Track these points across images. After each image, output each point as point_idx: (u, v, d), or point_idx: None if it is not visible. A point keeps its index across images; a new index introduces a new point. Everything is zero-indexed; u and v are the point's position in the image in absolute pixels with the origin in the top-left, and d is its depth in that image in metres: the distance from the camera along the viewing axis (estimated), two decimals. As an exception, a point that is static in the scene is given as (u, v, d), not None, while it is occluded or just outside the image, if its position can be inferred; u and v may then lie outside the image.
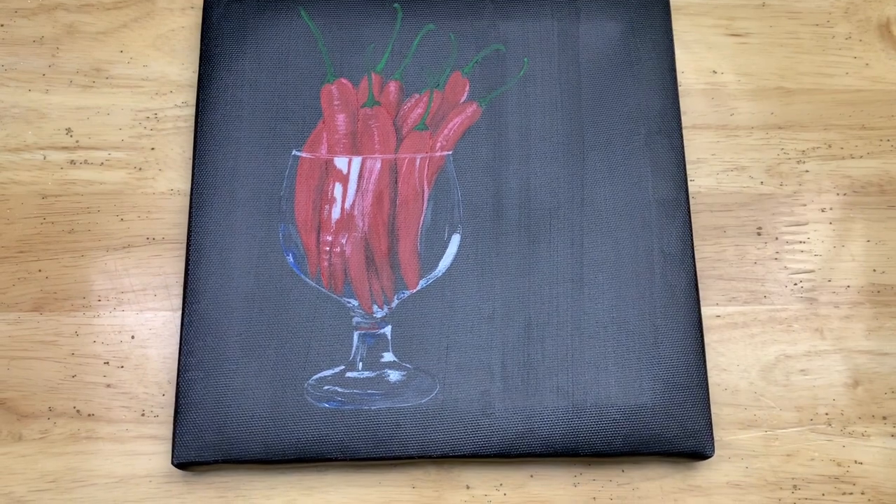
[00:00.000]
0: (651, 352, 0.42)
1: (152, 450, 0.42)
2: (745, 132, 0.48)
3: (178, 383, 0.41)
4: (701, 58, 0.50)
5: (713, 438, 0.42)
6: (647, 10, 0.48)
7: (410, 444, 0.41)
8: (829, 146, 0.48)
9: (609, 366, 0.42)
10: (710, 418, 0.42)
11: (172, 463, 0.40)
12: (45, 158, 0.46)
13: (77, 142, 0.47)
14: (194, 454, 0.40)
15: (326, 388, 0.41)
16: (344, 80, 0.46)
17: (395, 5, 0.47)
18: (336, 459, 0.41)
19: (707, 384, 0.42)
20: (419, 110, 0.46)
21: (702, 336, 0.43)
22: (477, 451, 0.41)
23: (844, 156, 0.48)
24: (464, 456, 0.41)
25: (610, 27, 0.47)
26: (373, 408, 0.41)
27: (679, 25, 0.50)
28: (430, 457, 0.41)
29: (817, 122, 0.49)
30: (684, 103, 0.48)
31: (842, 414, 0.44)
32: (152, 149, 0.47)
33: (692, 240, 0.44)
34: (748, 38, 0.50)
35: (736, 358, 0.45)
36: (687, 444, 0.41)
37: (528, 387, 0.42)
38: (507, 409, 0.41)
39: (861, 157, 0.48)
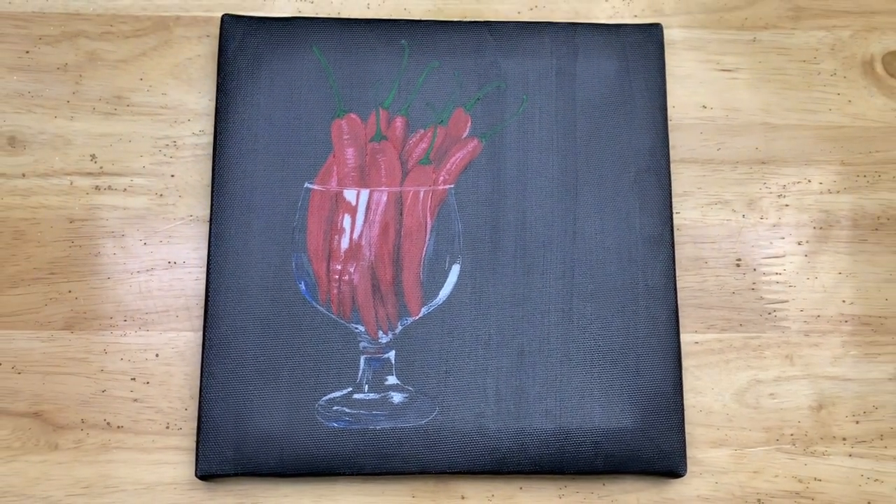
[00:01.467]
0: (632, 380, 0.46)
1: (176, 459, 0.46)
2: (729, 167, 0.51)
3: (199, 403, 0.45)
4: (692, 93, 0.52)
5: (686, 459, 0.46)
6: (642, 49, 0.50)
7: (411, 461, 0.45)
8: (809, 181, 0.51)
9: (594, 392, 0.46)
10: (684, 441, 0.46)
11: (196, 475, 0.44)
12: (71, 184, 0.49)
13: (101, 168, 0.49)
14: (215, 468, 0.44)
15: (335, 408, 0.45)
16: (353, 115, 0.49)
17: (402, 42, 0.50)
18: (344, 474, 0.45)
19: (682, 410, 0.46)
20: (423, 145, 0.49)
21: (680, 366, 0.47)
22: (472, 467, 0.45)
23: (822, 191, 0.51)
24: (460, 472, 0.45)
25: (606, 66, 0.50)
26: (377, 427, 0.45)
27: (672, 60, 0.52)
28: (429, 472, 0.45)
29: (799, 157, 0.52)
30: (674, 137, 0.51)
31: (805, 435, 0.48)
32: (172, 176, 0.50)
33: (675, 274, 0.48)
34: (737, 74, 0.53)
35: (711, 382, 0.49)
36: (662, 465, 0.46)
37: (519, 410, 0.46)
38: (499, 430, 0.45)
39: (838, 192, 0.51)
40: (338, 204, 0.48)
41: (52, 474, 0.46)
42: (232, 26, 0.49)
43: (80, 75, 0.51)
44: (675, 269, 0.48)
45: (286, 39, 0.49)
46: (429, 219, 0.48)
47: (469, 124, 0.49)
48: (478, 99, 0.49)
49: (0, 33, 0.51)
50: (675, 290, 0.48)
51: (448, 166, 0.49)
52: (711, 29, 0.53)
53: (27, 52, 0.51)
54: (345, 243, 0.47)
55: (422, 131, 0.49)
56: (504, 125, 0.49)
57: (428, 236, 0.48)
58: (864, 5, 0.54)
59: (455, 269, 0.48)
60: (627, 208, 0.48)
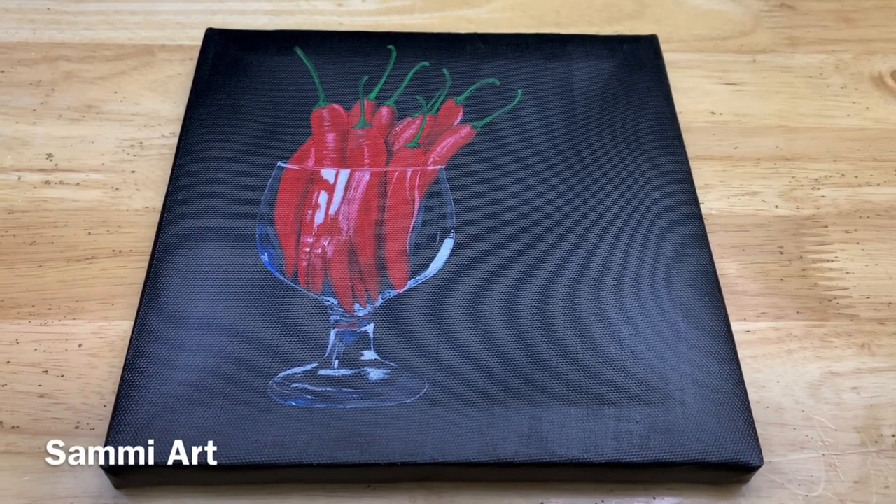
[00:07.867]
0: (672, 348, 0.36)
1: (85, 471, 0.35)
2: (751, 162, 0.46)
3: (122, 377, 0.35)
4: (698, 102, 0.49)
5: (759, 446, 0.34)
6: (639, 51, 0.48)
7: (392, 449, 0.34)
8: (843, 175, 0.46)
9: (626, 366, 0.36)
10: (753, 422, 0.35)
11: (102, 466, 0.33)
12: (19, 179, 0.44)
13: (56, 165, 0.45)
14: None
15: (294, 385, 0.35)
16: (335, 106, 0.45)
17: (390, 47, 0.48)
18: (299, 465, 0.33)
19: (743, 381, 0.36)
20: (412, 130, 0.44)
21: (730, 332, 0.37)
22: (472, 458, 0.34)
23: (861, 183, 0.46)
24: (457, 463, 0.33)
25: (602, 64, 0.48)
26: (348, 407, 0.35)
27: (674, 76, 0.50)
28: (415, 464, 0.33)
29: (825, 154, 0.47)
30: (686, 138, 0.47)
31: (909, 436, 0.37)
32: (133, 171, 0.45)
33: (708, 242, 0.40)
34: (743, 87, 0.50)
35: (775, 375, 0.38)
36: (727, 454, 0.34)
37: (532, 387, 0.35)
38: (507, 410, 0.35)
39: (878, 184, 0.46)
40: (313, 182, 0.42)
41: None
42: (214, 36, 0.48)
43: (53, 89, 0.48)
44: (707, 237, 0.41)
45: (268, 44, 0.48)
46: (417, 196, 0.42)
47: (461, 114, 0.45)
48: (471, 92, 0.46)
49: (-21, 57, 0.49)
50: (711, 257, 0.40)
51: (439, 149, 0.44)
52: (708, 52, 0.52)
53: (2, 71, 0.49)
54: (319, 218, 0.41)
55: (410, 119, 0.45)
56: (498, 114, 0.45)
57: (416, 213, 0.41)
58: (860, 35, 0.53)
59: (447, 244, 0.40)
60: (643, 181, 0.42)
